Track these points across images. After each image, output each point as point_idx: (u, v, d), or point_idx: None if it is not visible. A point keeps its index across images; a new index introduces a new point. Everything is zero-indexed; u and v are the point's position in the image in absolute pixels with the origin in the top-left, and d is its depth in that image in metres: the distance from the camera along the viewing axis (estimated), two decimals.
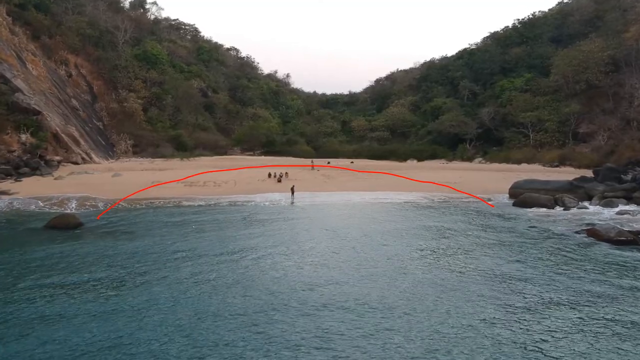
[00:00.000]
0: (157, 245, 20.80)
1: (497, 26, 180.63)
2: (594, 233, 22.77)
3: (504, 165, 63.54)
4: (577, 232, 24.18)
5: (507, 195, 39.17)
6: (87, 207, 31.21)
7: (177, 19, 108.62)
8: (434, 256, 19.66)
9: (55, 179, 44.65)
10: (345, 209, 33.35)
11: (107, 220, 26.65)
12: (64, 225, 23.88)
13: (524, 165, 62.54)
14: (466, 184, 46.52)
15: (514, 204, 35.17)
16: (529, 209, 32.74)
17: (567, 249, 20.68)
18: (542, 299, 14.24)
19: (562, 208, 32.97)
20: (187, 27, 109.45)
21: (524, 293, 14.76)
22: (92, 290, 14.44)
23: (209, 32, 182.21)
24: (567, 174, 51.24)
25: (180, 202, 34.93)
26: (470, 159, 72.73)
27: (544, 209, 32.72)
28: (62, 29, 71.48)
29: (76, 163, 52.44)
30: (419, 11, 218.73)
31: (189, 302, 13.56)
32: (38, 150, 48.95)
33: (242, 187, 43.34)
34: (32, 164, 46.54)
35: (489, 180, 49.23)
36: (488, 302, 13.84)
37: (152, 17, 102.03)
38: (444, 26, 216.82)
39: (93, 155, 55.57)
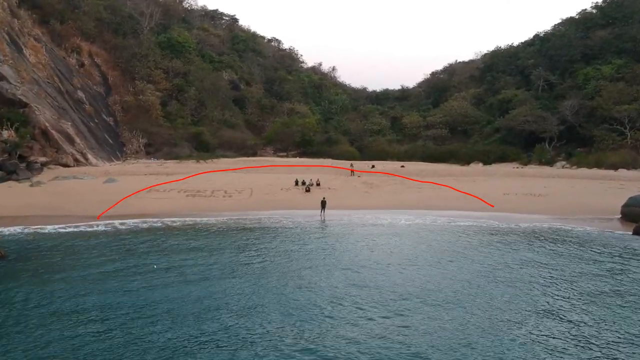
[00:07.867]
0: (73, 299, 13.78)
1: (569, 12, 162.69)
2: None
3: (596, 172, 49.86)
4: None
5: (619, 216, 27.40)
6: (43, 227, 24.31)
7: (216, 10, 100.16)
8: None
9: (32, 185, 37.68)
10: (394, 239, 22.99)
11: (45, 251, 19.70)
12: None
13: (622, 172, 49.12)
14: (555, 196, 35.01)
15: (636, 232, 24.57)
16: None
17: None
18: None
19: None
20: (224, 17, 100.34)
21: None
22: None
23: (254, 28, 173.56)
24: None
25: (169, 221, 26.55)
26: (550, 163, 58.56)
27: None
28: (76, 14, 63.94)
29: (66, 165, 43.76)
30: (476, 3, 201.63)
31: None
32: (17, 150, 40.52)
33: (259, 199, 34.93)
34: (8, 166, 38.91)
35: (586, 192, 37.52)
36: None
37: (187, 5, 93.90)
38: (504, 16, 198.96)
39: (90, 156, 46.51)
